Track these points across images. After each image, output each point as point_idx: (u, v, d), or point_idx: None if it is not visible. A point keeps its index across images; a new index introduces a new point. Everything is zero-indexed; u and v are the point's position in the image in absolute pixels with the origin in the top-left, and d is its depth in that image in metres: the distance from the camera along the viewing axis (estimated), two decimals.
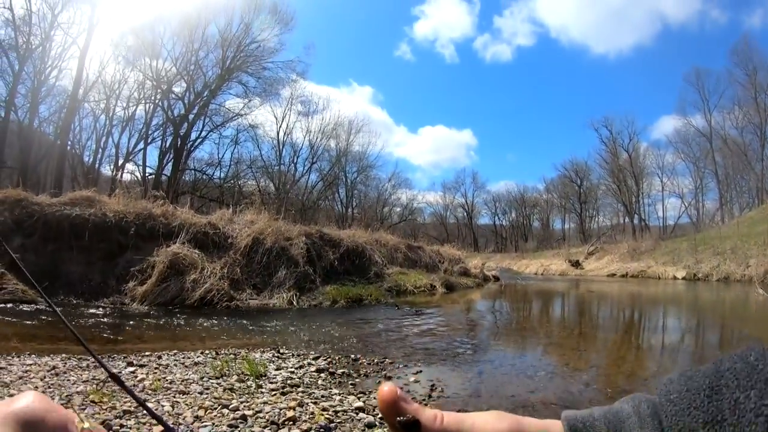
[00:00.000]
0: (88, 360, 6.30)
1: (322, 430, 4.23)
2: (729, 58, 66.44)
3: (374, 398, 5.21)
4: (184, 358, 6.85)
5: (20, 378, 5.38)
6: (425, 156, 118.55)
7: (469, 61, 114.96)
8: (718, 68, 78.97)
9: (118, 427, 3.91)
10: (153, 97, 43.24)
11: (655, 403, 0.58)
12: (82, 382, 5.32)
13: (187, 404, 4.69)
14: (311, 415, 4.52)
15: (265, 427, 4.21)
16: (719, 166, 58.29)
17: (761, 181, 52.14)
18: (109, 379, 5.13)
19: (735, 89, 55.72)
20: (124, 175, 42.46)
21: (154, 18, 43.53)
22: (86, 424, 0.59)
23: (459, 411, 0.64)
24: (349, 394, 5.37)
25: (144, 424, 4.06)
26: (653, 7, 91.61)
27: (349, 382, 5.98)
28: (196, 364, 6.47)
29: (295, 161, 55.34)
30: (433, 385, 5.95)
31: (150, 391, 5.11)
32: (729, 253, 33.23)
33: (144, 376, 5.71)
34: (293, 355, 7.42)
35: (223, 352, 7.43)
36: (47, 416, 0.55)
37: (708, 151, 58.86)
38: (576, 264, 47.87)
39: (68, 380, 5.38)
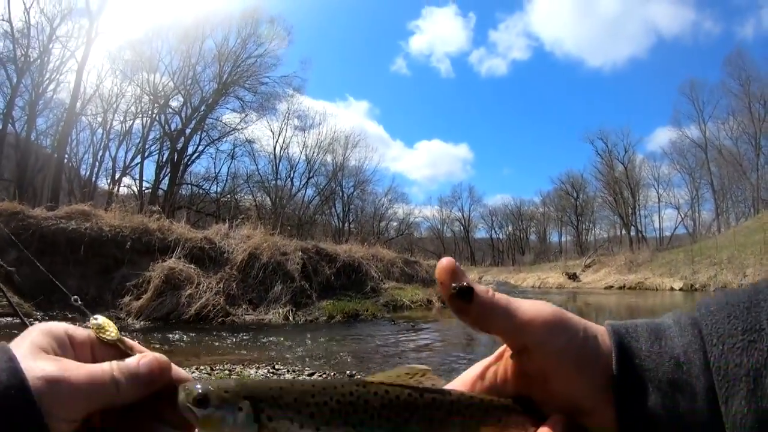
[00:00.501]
0: None
1: None
2: (723, 69, 67.04)
3: None
4: None
5: None
6: (421, 170, 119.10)
7: (464, 75, 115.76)
8: (713, 79, 79.71)
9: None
10: (150, 112, 43.42)
11: (694, 316, 0.61)
12: None
13: None
14: None
15: None
16: (715, 177, 58.56)
17: (757, 191, 52.36)
18: None
19: (729, 100, 56.23)
20: (120, 189, 42.47)
21: (151, 32, 43.76)
22: (112, 333, 0.67)
23: None
24: None
25: None
26: (647, 19, 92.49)
27: None
28: None
29: (291, 176, 55.46)
30: None
31: None
32: (726, 263, 33.31)
33: None
34: (288, 371, 7.39)
35: (218, 368, 7.39)
36: (75, 333, 0.64)
37: (703, 162, 59.13)
38: (573, 277, 47.88)
39: None
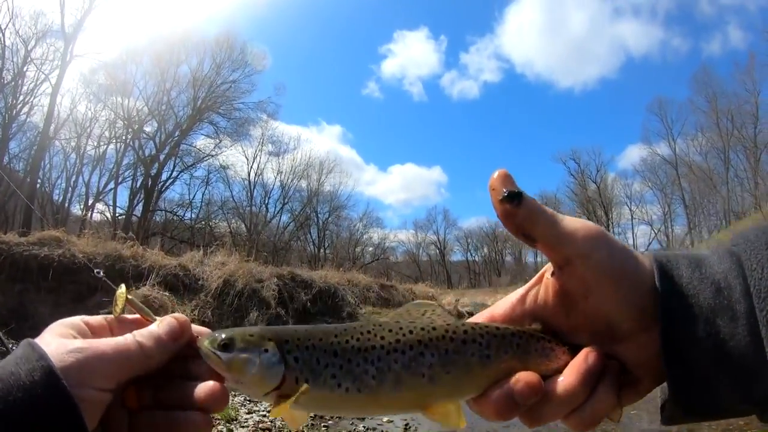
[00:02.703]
0: None
1: None
2: (690, 86, 68.19)
3: None
4: None
5: None
6: (396, 194, 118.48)
7: (436, 98, 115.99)
8: (682, 96, 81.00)
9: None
10: (124, 137, 43.00)
11: (731, 247, 0.64)
12: None
13: None
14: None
15: None
16: (686, 192, 58.99)
17: (727, 203, 52.99)
18: None
19: (697, 116, 56.82)
20: (93, 215, 41.82)
21: (126, 56, 43.53)
22: (120, 307, 0.72)
23: None
24: None
25: None
26: (616, 38, 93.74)
27: (322, 424, 5.94)
28: None
29: (266, 202, 55.01)
30: (407, 425, 5.95)
31: None
32: None
33: None
34: None
35: None
36: (91, 320, 0.69)
37: (674, 178, 59.60)
38: None
39: None
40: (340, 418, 6.31)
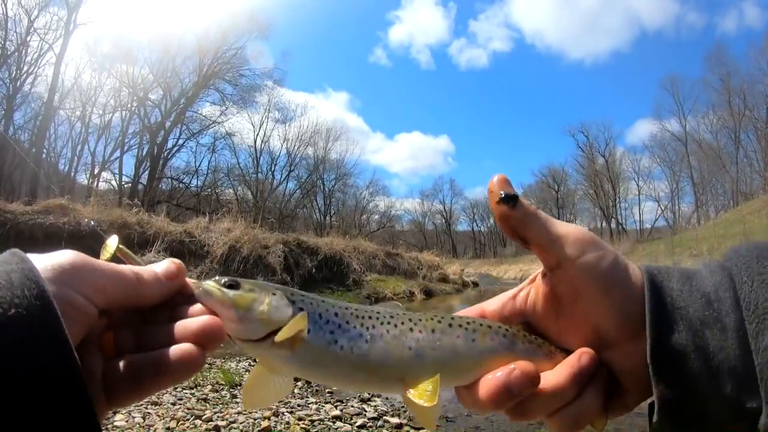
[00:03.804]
0: None
1: None
2: (704, 65, 67.76)
3: (351, 407, 5.17)
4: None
5: None
6: (402, 163, 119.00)
7: (444, 67, 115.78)
8: (693, 73, 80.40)
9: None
10: (129, 105, 42.93)
11: (723, 262, 0.64)
12: None
13: (158, 415, 4.61)
14: (287, 425, 4.46)
15: None
16: (695, 170, 59.33)
17: (736, 184, 53.09)
18: None
19: (709, 94, 56.90)
20: (99, 183, 41.97)
21: (130, 24, 43.20)
22: (109, 252, 0.69)
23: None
24: (326, 403, 5.32)
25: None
26: (630, 12, 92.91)
27: (326, 390, 5.92)
28: None
29: (272, 169, 55.22)
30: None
31: None
32: (706, 254, 33.70)
33: None
34: None
35: None
36: (83, 266, 0.57)
37: (683, 155, 59.87)
38: None
39: None
40: None
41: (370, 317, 0.68)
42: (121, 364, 0.57)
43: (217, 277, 0.66)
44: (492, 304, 0.75)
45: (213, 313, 0.63)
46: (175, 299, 0.64)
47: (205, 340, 0.60)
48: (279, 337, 0.62)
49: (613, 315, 0.63)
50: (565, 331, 0.68)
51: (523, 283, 0.75)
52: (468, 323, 0.70)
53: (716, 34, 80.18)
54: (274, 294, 0.65)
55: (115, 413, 4.62)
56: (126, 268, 0.61)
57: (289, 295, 0.66)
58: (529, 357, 0.67)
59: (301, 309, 0.65)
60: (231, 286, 0.64)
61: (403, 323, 0.68)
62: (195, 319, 0.61)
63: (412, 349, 0.67)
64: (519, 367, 0.63)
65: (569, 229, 0.67)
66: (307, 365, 0.66)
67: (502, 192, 0.67)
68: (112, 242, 0.71)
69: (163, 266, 0.65)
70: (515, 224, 0.68)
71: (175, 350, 0.58)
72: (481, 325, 0.70)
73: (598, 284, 0.64)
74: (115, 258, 0.69)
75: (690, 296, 0.61)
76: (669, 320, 0.60)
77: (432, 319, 0.70)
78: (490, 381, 0.64)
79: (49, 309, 0.48)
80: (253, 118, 52.97)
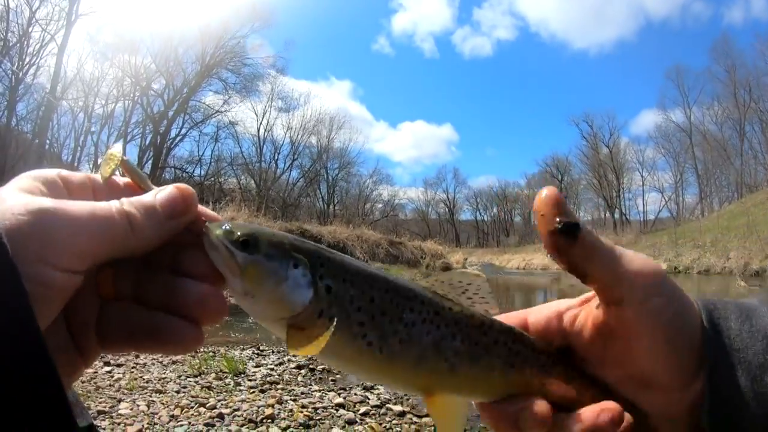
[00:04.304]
0: None
1: (301, 427, 4.19)
2: (709, 56, 67.43)
3: (354, 394, 5.17)
4: (161, 356, 6.77)
5: None
6: (406, 152, 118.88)
7: (448, 56, 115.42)
8: (700, 64, 79.98)
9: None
10: (132, 94, 42.86)
11: None
12: None
13: (163, 403, 4.62)
14: (290, 413, 4.47)
15: (242, 426, 4.16)
16: (699, 161, 59.24)
17: (740, 176, 52.96)
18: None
19: (714, 86, 56.66)
20: None
21: (132, 13, 43.08)
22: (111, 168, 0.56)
23: None
24: (329, 391, 5.33)
25: (118, 424, 3.99)
26: (635, 1, 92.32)
27: (330, 378, 5.93)
28: (173, 362, 6.39)
29: (276, 158, 55.18)
30: None
31: (126, 391, 5.03)
32: (709, 246, 33.72)
33: (121, 375, 5.62)
34: (273, 351, 7.37)
35: (201, 349, 7.35)
36: (70, 175, 0.52)
37: (688, 147, 59.67)
38: None
39: None
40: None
41: (412, 309, 0.57)
42: (116, 316, 0.50)
43: (231, 224, 0.53)
44: (536, 316, 0.66)
45: (218, 272, 0.52)
46: (182, 238, 0.53)
47: (202, 316, 0.51)
48: (290, 346, 0.53)
49: (670, 364, 0.57)
50: (610, 364, 0.61)
51: (572, 302, 0.66)
52: (513, 344, 0.62)
53: (722, 24, 79.81)
54: (296, 267, 0.52)
55: (119, 401, 4.64)
56: (115, 211, 0.48)
57: (318, 266, 0.54)
58: (559, 386, 0.62)
59: (329, 289, 0.53)
60: (245, 243, 0.51)
61: (447, 325, 0.58)
62: (195, 286, 0.51)
63: (448, 362, 0.58)
64: (535, 407, 0.58)
65: (637, 266, 0.56)
66: (323, 352, 0.53)
67: (558, 219, 0.55)
68: (116, 151, 0.57)
69: (165, 198, 0.52)
70: (575, 261, 0.56)
71: (169, 323, 0.49)
72: (524, 347, 0.62)
73: (659, 332, 0.56)
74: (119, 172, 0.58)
75: (750, 337, 0.55)
76: (727, 365, 0.55)
77: (478, 327, 0.61)
78: (504, 409, 0.60)
79: (19, 298, 0.38)
80: (256, 107, 52.99)
